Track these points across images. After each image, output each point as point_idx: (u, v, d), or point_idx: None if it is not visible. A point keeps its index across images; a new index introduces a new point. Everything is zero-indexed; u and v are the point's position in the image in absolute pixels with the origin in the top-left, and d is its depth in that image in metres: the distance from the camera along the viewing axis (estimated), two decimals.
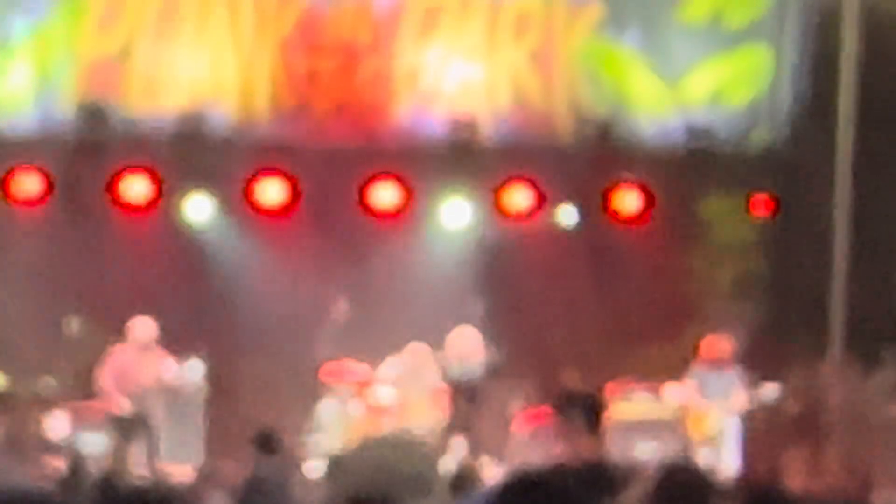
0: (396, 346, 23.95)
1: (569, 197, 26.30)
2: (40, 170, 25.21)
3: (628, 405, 23.68)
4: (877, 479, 18.07)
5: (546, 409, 22.97)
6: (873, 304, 25.39)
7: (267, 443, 18.85)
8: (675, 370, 24.27)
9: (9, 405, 23.28)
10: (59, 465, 20.83)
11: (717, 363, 23.87)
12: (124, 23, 26.00)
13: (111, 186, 25.15)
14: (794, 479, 18.95)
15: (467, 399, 22.98)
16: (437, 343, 23.42)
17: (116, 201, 25.30)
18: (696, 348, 24.31)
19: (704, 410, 23.48)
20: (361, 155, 25.87)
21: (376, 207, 25.71)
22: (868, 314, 25.07)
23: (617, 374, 24.39)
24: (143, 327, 23.08)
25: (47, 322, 24.62)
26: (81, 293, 24.65)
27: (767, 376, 23.73)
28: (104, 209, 25.34)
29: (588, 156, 26.45)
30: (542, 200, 25.83)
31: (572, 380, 23.92)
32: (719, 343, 24.08)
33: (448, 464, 19.52)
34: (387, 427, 22.54)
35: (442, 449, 21.89)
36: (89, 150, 25.59)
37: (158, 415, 22.81)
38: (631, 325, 25.69)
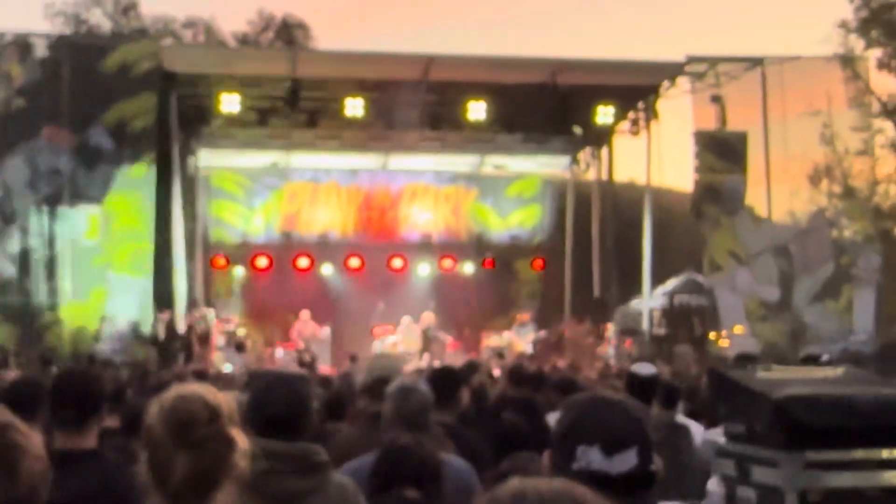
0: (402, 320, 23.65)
1: (467, 261, 26.24)
2: (266, 257, 25.31)
3: (491, 340, 24.02)
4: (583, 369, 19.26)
5: (457, 342, 24.18)
6: (585, 298, 26.02)
7: (354, 359, 19.79)
8: (507, 326, 24.63)
9: (251, 344, 22.88)
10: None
11: (523, 322, 24.38)
12: (297, 200, 26.29)
13: (294, 262, 25.21)
14: (555, 370, 20.49)
15: (428, 342, 22.76)
16: (417, 318, 23.32)
17: (296, 268, 25.23)
18: (514, 318, 24.79)
19: (517, 341, 23.62)
20: (388, 248, 25.97)
21: (394, 268, 25.65)
22: (582, 301, 25.77)
23: (485, 328, 24.90)
24: (304, 314, 23.27)
25: (272, 315, 24.69)
26: (283, 304, 24.41)
27: (540, 327, 24.42)
28: (291, 272, 25.26)
29: (474, 246, 26.65)
30: (455, 264, 25.93)
31: (471, 331, 24.98)
32: (522, 315, 24.73)
33: (422, 365, 19.67)
34: (398, 352, 22.33)
35: (418, 359, 21.49)
36: (285, 249, 25.64)
37: (314, 348, 22.40)
38: (492, 310, 25.84)
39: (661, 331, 23.43)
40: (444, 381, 5.46)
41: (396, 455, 3.74)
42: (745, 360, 10.32)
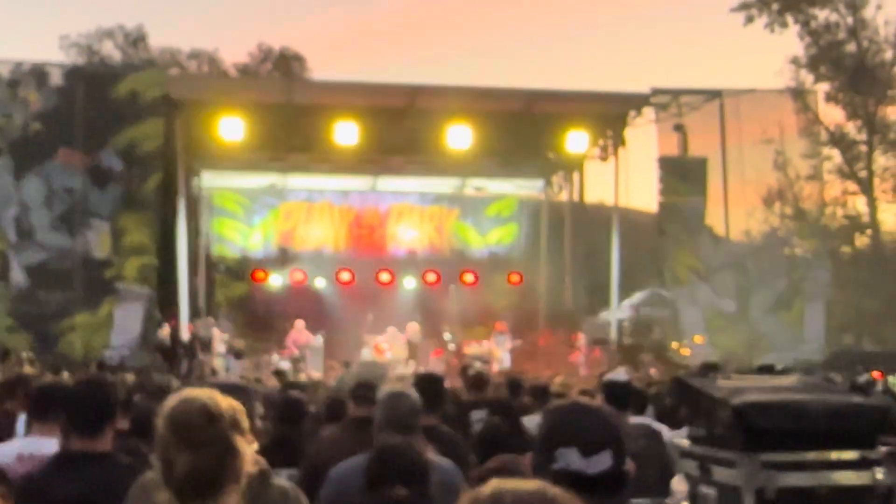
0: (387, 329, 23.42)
1: (449, 275, 25.87)
2: (264, 270, 25.05)
3: (471, 348, 23.46)
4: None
5: (441, 350, 23.57)
6: (557, 309, 26.13)
7: (348, 364, 19.32)
8: (486, 335, 24.28)
9: (253, 353, 22.54)
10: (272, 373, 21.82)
11: (501, 331, 23.95)
12: (292, 218, 26.25)
13: (291, 276, 25.11)
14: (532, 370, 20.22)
15: (413, 349, 22.69)
16: (402, 328, 23.19)
17: (294, 280, 25.14)
18: (494, 326, 24.24)
19: (496, 349, 23.29)
20: (377, 263, 25.82)
21: (382, 281, 25.37)
22: (555, 313, 26.06)
23: (466, 338, 24.33)
24: (299, 323, 22.90)
25: (269, 324, 24.33)
26: (279, 314, 24.35)
27: (516, 337, 23.91)
28: (288, 285, 25.20)
29: (456, 261, 26.46)
30: (438, 278, 25.52)
31: (454, 340, 24.19)
32: (502, 325, 24.06)
33: (407, 371, 19.65)
34: (385, 360, 21.82)
35: (404, 366, 20.98)
36: (281, 263, 25.53)
37: (308, 355, 22.32)
38: (472, 321, 25.29)
39: (628, 340, 23.38)
40: (429, 386, 5.32)
41: (387, 456, 3.72)
42: (709, 368, 10.27)
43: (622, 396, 6.07)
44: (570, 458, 2.15)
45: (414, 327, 23.30)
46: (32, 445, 4.23)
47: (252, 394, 3.46)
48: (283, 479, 3.55)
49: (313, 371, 21.57)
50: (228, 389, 2.93)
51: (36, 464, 3.86)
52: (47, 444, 3.95)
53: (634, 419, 6.31)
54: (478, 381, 8.51)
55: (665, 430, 6.37)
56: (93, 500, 3.30)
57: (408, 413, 4.37)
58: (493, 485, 1.55)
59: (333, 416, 6.40)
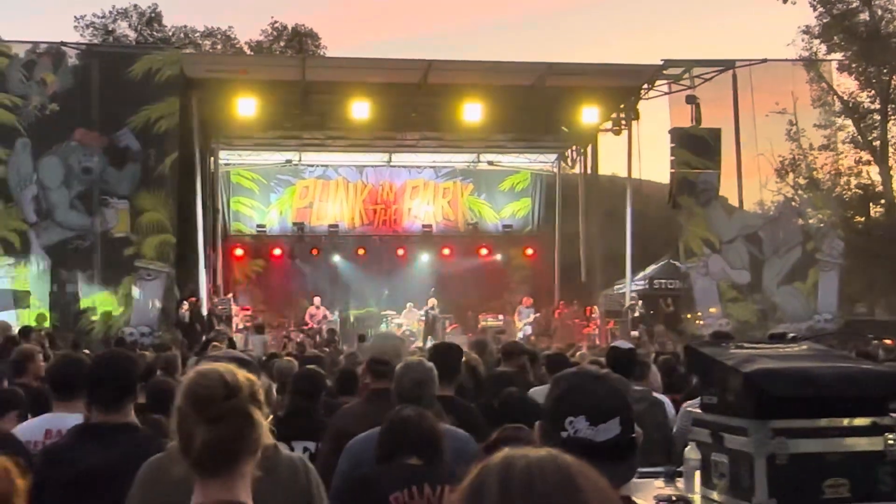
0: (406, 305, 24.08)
1: (463, 250, 26.42)
2: (281, 247, 25.54)
3: (489, 323, 23.92)
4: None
5: (456, 324, 24.17)
6: (572, 283, 26.22)
7: (363, 338, 19.66)
8: (501, 309, 24.94)
9: (271, 328, 22.65)
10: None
11: (526, 305, 24.08)
12: (308, 195, 26.39)
13: (306, 252, 25.35)
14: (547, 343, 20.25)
15: (431, 323, 22.85)
16: (421, 303, 23.54)
17: (308, 256, 25.39)
18: (520, 300, 24.56)
19: (518, 323, 23.72)
20: (392, 239, 26.24)
21: (397, 256, 25.84)
22: (569, 286, 26.03)
23: (484, 311, 24.92)
24: (317, 300, 23.29)
25: (286, 300, 25.10)
26: (298, 287, 25.03)
27: (538, 310, 24.15)
28: (304, 260, 25.48)
29: (470, 236, 26.77)
30: (453, 253, 25.96)
31: (468, 314, 24.91)
32: (527, 299, 24.28)
33: (425, 344, 20.83)
34: (401, 334, 21.54)
35: (421, 340, 21.25)
36: (298, 239, 25.74)
37: (324, 327, 22.20)
38: (487, 294, 25.92)
39: (642, 312, 23.38)
40: (444, 357, 5.24)
41: (399, 426, 3.74)
42: (720, 338, 10.21)
43: (625, 363, 6.03)
44: (578, 426, 2.12)
45: (432, 302, 23.47)
46: (58, 421, 4.26)
47: (256, 366, 3.42)
48: (291, 454, 3.49)
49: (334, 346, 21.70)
50: (233, 362, 2.96)
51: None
52: (72, 419, 3.98)
53: (637, 386, 6.28)
54: (509, 351, 8.37)
55: (669, 400, 6.33)
56: (113, 468, 3.31)
57: (410, 385, 4.34)
58: (504, 453, 1.54)
59: (345, 388, 6.43)
